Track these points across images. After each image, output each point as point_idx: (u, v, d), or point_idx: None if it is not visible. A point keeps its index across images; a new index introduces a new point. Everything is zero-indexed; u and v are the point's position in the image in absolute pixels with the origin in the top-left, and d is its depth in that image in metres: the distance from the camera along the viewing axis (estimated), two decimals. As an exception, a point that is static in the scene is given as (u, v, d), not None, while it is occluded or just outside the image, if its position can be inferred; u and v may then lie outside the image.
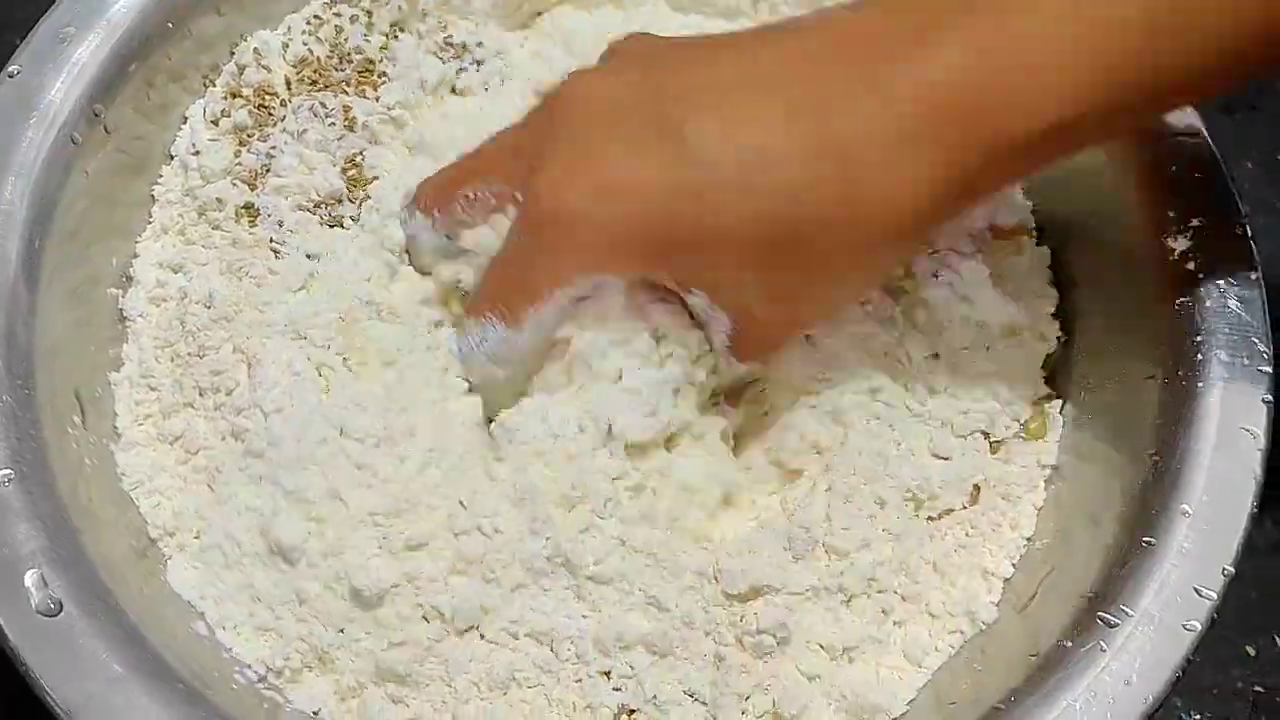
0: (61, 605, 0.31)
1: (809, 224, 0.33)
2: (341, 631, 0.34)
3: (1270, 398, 0.35)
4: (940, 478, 0.38)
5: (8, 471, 0.33)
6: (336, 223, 0.40)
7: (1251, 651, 0.46)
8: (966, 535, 0.39)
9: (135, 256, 0.41)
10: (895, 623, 0.37)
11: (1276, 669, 0.45)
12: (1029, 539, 0.39)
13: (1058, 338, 0.41)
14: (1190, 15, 0.31)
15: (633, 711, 0.35)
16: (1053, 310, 0.41)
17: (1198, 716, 0.44)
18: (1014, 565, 0.38)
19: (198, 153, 0.41)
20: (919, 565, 0.38)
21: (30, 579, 0.31)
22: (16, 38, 0.51)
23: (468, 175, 0.38)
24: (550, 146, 0.35)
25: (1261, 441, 0.35)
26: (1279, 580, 0.47)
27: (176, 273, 0.40)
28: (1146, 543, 0.34)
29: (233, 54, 0.43)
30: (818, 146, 0.32)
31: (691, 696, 0.35)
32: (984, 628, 0.37)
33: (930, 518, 0.38)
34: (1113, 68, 0.31)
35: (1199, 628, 0.33)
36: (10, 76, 0.38)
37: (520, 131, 0.38)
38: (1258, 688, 0.45)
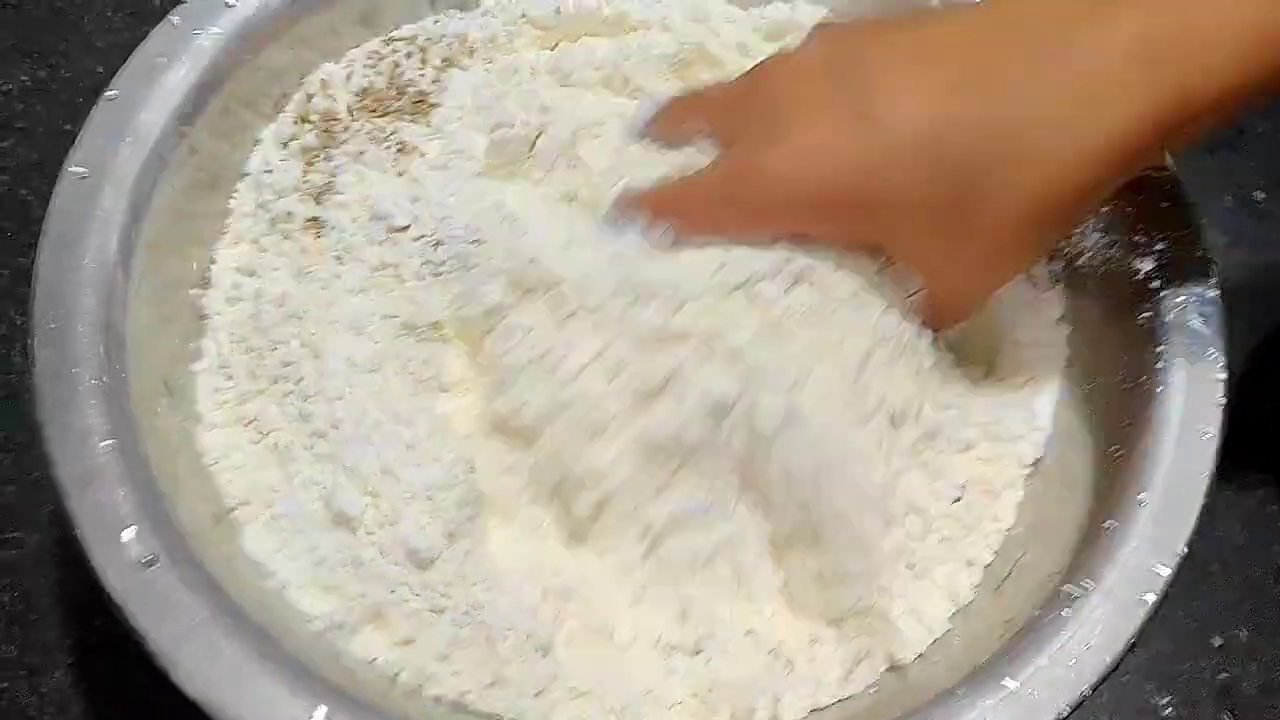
0: (155, 558, 0.35)
1: (983, 186, 0.36)
2: (393, 592, 0.39)
3: (1224, 401, 0.40)
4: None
5: (110, 441, 0.37)
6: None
7: (1219, 643, 0.49)
8: (950, 530, 0.43)
9: (213, 262, 0.45)
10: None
11: (1242, 659, 0.49)
12: (1008, 530, 0.43)
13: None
14: None
15: None
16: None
17: (1167, 698, 0.48)
18: (994, 553, 0.43)
19: (269, 171, 0.46)
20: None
21: (128, 534, 0.36)
22: (99, 64, 0.57)
23: (687, 111, 0.42)
24: (756, 114, 0.39)
25: (1215, 439, 0.39)
26: (1247, 578, 0.51)
27: (250, 276, 0.45)
28: (1109, 526, 0.38)
29: (301, 84, 0.48)
30: (995, 117, 0.36)
31: None
32: (963, 606, 0.41)
33: None
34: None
35: (1153, 599, 0.37)
36: (109, 100, 0.43)
37: (726, 93, 0.42)
38: (1223, 675, 0.49)
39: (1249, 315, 0.56)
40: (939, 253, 0.38)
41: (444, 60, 0.49)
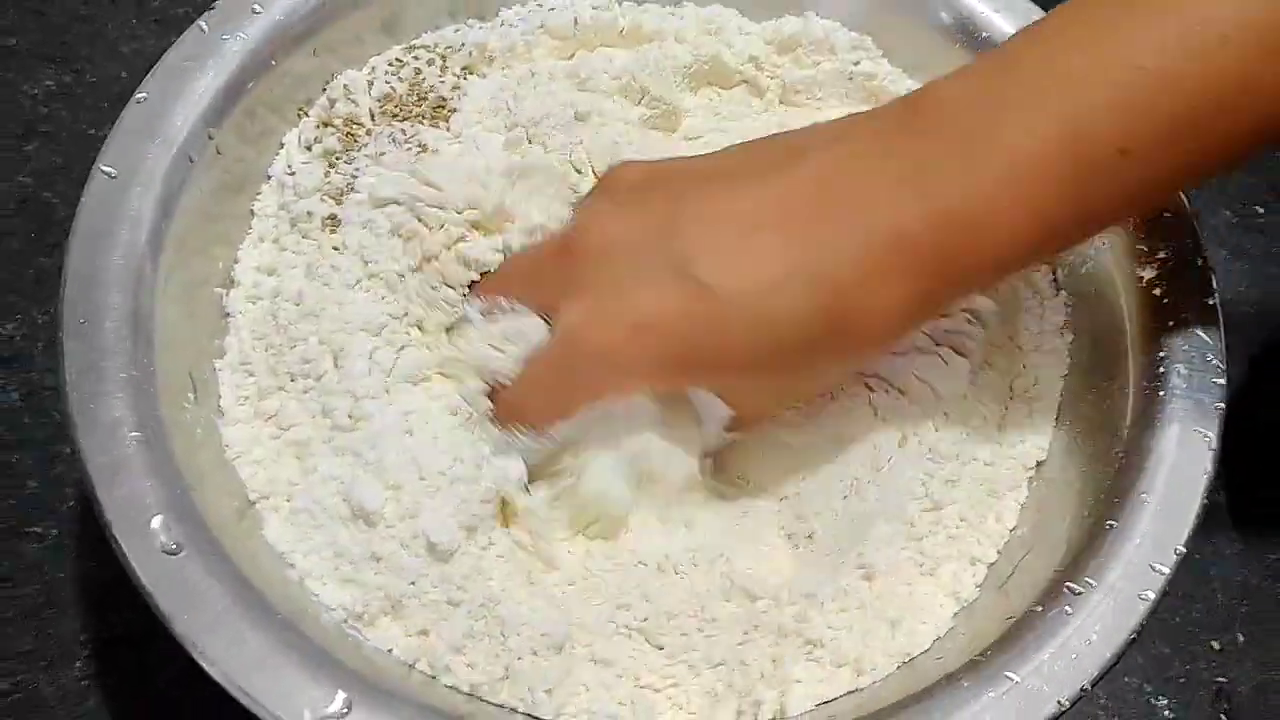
0: (180, 547, 0.36)
1: (807, 344, 0.38)
2: (413, 584, 0.39)
3: (1222, 405, 0.41)
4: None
5: (136, 434, 0.38)
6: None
7: (1217, 646, 0.50)
8: (956, 528, 0.44)
9: (236, 262, 0.46)
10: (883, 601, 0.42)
11: (1238, 662, 0.50)
12: (1011, 530, 0.44)
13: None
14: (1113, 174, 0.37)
15: None
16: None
17: (1164, 701, 0.49)
18: (998, 552, 0.43)
19: (293, 173, 0.47)
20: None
21: (156, 523, 0.36)
22: (122, 70, 0.58)
23: (502, 286, 0.43)
24: (576, 286, 0.40)
25: (1214, 442, 0.40)
26: (1243, 584, 0.52)
27: (270, 275, 0.46)
28: (1110, 525, 0.39)
29: (325, 90, 0.49)
30: (813, 280, 0.37)
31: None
32: (967, 604, 0.42)
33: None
34: (1047, 216, 0.37)
35: (1153, 597, 0.37)
36: (139, 102, 0.44)
37: (537, 259, 0.43)
38: (1220, 679, 0.50)
39: (1248, 327, 0.58)
40: (751, 388, 0.41)
41: (463, 68, 0.50)
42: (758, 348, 0.38)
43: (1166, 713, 0.49)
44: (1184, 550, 0.38)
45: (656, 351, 0.39)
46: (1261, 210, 0.61)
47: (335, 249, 0.46)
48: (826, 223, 0.38)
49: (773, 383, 0.41)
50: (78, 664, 0.46)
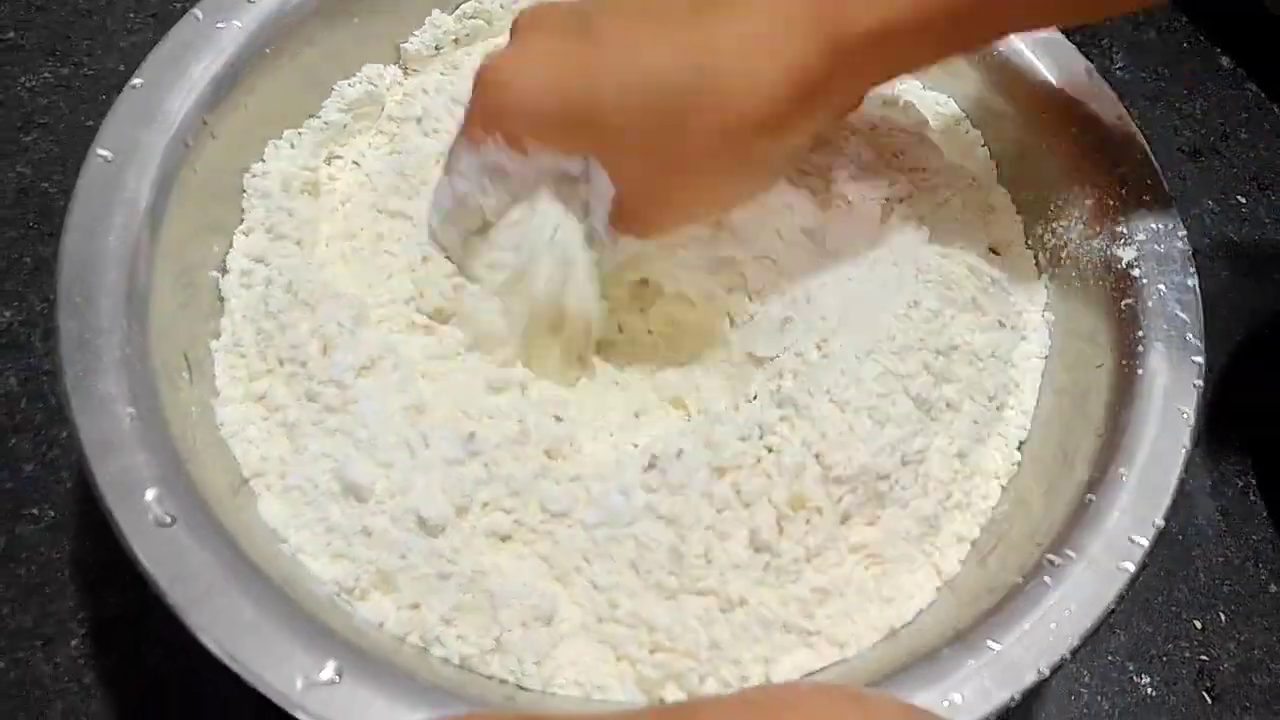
0: (174, 519, 0.37)
1: (677, 105, 0.39)
2: (403, 558, 0.40)
3: (1200, 383, 0.41)
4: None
5: (130, 410, 0.38)
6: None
7: (1199, 625, 0.51)
8: (943, 509, 0.44)
9: (231, 247, 0.47)
10: (873, 578, 0.43)
11: (1220, 641, 0.51)
12: (994, 507, 0.45)
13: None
14: None
15: None
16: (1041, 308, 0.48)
17: (1147, 679, 0.49)
18: (981, 529, 0.44)
19: (284, 159, 0.48)
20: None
21: (150, 496, 0.37)
22: (120, 63, 0.59)
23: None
24: (491, 57, 0.42)
25: (1191, 419, 0.41)
26: (1224, 564, 0.52)
27: (260, 263, 0.46)
28: (1090, 500, 0.40)
29: (319, 78, 0.50)
30: (689, 42, 0.39)
31: None
32: (950, 578, 0.43)
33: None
34: None
35: (1132, 569, 0.38)
36: (134, 88, 0.45)
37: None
38: (1203, 656, 0.50)
39: (1230, 314, 0.58)
40: (639, 170, 0.41)
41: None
42: (628, 99, 0.40)
43: (1149, 690, 0.49)
44: (1162, 524, 0.39)
45: (538, 86, 0.40)
46: (1244, 200, 0.62)
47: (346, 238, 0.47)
48: (717, 7, 0.40)
49: (658, 158, 0.41)
50: (74, 642, 0.47)
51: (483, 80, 0.42)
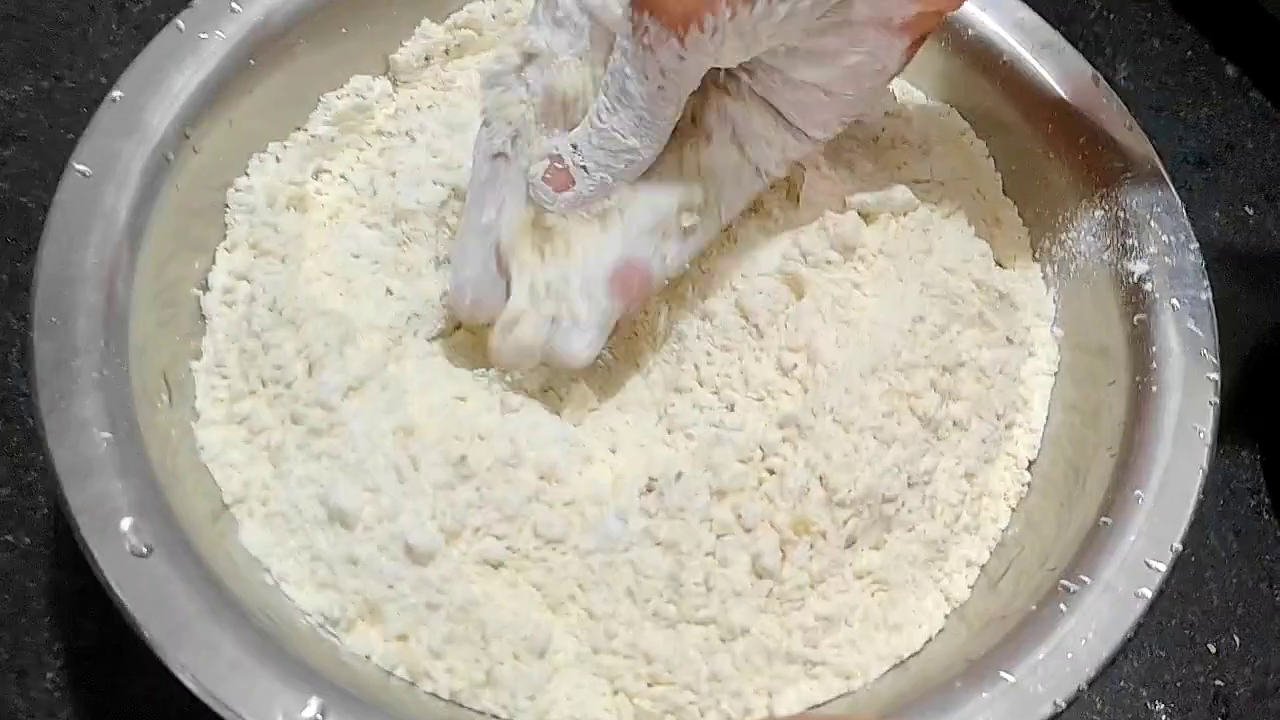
0: (151, 549, 0.35)
1: None
2: (390, 588, 0.38)
3: (1216, 400, 0.40)
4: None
5: (107, 435, 0.37)
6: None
7: (1213, 649, 0.50)
8: (951, 532, 0.43)
9: (213, 264, 0.45)
10: (879, 605, 0.42)
11: (1235, 665, 0.49)
12: (1004, 530, 0.43)
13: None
14: None
15: None
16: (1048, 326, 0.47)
17: (1161, 706, 0.48)
18: (990, 553, 0.43)
19: (268, 174, 0.47)
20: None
21: (126, 524, 0.35)
22: (102, 75, 0.58)
23: None
24: None
25: (1208, 438, 0.40)
26: (1238, 586, 0.51)
27: (243, 280, 0.45)
28: (1105, 522, 0.38)
29: (304, 90, 0.48)
30: None
31: None
32: (959, 605, 0.41)
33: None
34: None
35: (1149, 595, 0.37)
36: (114, 101, 0.43)
37: None
38: (1218, 682, 0.49)
39: (1238, 327, 0.57)
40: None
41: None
42: None
43: (1164, 718, 0.48)
44: (1180, 547, 0.38)
45: None
46: (1251, 211, 0.61)
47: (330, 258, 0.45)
48: None
49: None
50: (50, 674, 0.45)
51: None
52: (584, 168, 0.40)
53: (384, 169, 0.48)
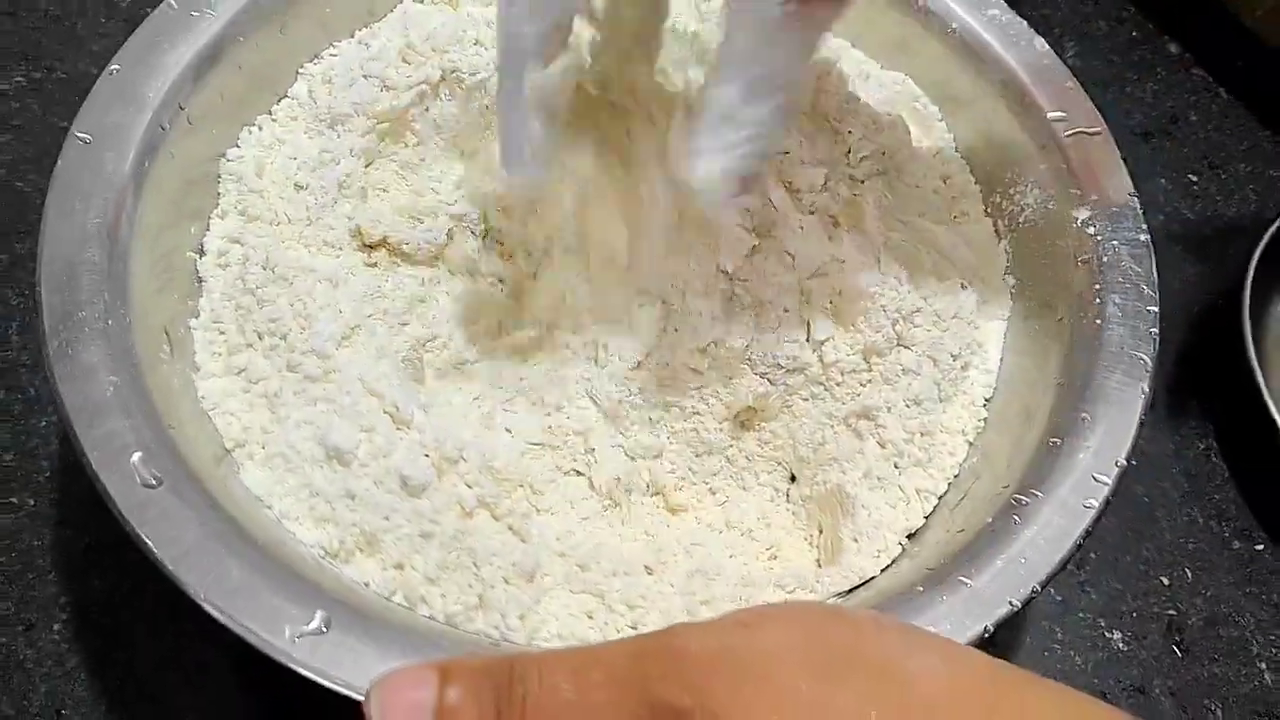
0: (160, 480, 0.37)
1: None
2: (386, 519, 0.41)
3: (1155, 330, 0.43)
4: None
5: (114, 379, 0.39)
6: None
7: (1166, 582, 0.52)
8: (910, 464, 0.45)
9: (208, 230, 0.48)
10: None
11: (1187, 596, 0.52)
12: (961, 462, 0.46)
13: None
14: None
15: None
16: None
17: (1118, 635, 0.51)
18: (948, 484, 0.45)
19: (259, 144, 0.49)
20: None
21: (135, 458, 0.37)
22: (92, 66, 0.60)
23: None
24: None
25: (1149, 364, 0.42)
26: (1189, 523, 0.54)
27: (235, 243, 0.47)
28: (1054, 442, 0.41)
29: (294, 68, 0.51)
30: None
31: None
32: (913, 530, 0.44)
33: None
34: None
35: (1096, 505, 0.39)
36: (111, 74, 0.46)
37: None
38: (1170, 611, 0.51)
39: (1186, 288, 0.60)
40: None
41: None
42: None
43: (1120, 645, 0.50)
44: (1125, 462, 0.40)
45: None
46: (1195, 178, 0.64)
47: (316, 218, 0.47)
48: None
49: None
50: (56, 627, 0.47)
51: None
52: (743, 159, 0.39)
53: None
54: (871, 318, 0.45)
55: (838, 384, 0.46)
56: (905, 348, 0.46)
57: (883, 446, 0.44)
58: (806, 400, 0.46)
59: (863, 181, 0.49)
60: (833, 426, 0.45)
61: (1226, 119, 0.67)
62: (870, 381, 0.46)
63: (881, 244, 0.47)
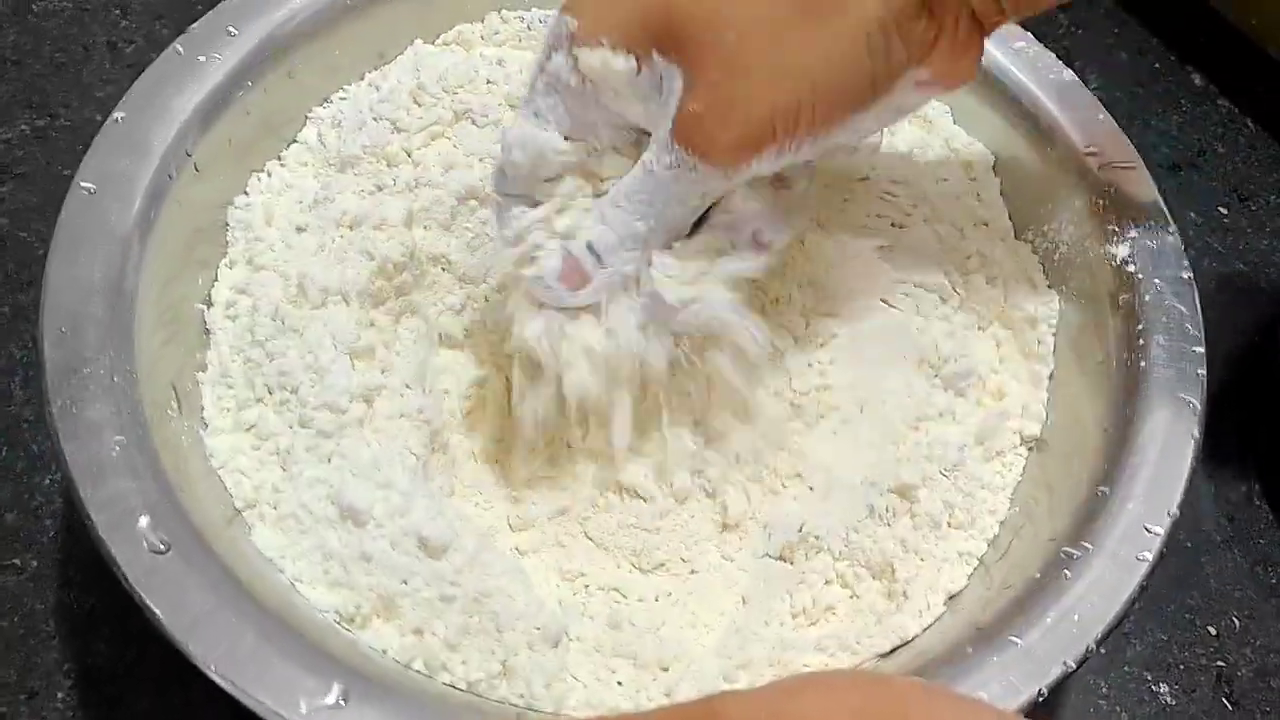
0: (169, 546, 0.36)
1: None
2: (405, 583, 0.39)
3: (1203, 371, 0.41)
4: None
5: (120, 438, 0.37)
6: None
7: (1214, 631, 0.50)
8: (947, 526, 0.44)
9: (215, 280, 0.46)
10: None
11: (1236, 646, 0.50)
12: (1002, 521, 0.44)
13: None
14: None
15: None
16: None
17: (1166, 688, 0.48)
18: (988, 543, 0.43)
19: (266, 191, 0.47)
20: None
21: (143, 522, 0.36)
22: (97, 113, 0.59)
23: None
24: None
25: (1198, 407, 0.41)
26: (1233, 569, 0.52)
27: (243, 294, 0.46)
28: (1102, 492, 0.39)
29: (302, 113, 0.49)
30: None
31: None
32: (955, 594, 0.42)
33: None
34: None
35: (1150, 558, 0.38)
36: (116, 122, 0.44)
37: None
38: (1219, 662, 0.49)
39: (1220, 323, 0.58)
40: (723, 67, 0.37)
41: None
42: None
43: (1169, 699, 0.48)
44: (1177, 513, 0.39)
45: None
46: (1225, 211, 0.63)
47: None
48: None
49: (749, 53, 0.36)
50: (60, 695, 0.45)
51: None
52: (599, 261, 0.40)
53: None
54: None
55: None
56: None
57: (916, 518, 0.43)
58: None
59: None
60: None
61: (1254, 150, 0.65)
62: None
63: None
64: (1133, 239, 0.44)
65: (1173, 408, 0.41)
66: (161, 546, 0.36)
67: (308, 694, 0.34)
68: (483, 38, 0.53)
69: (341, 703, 0.34)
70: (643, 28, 0.37)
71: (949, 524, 0.43)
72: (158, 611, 0.35)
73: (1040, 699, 0.35)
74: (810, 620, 0.40)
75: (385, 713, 0.34)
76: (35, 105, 0.60)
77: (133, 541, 0.36)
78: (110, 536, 0.35)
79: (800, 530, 0.42)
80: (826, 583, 0.42)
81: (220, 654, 0.34)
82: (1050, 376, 0.46)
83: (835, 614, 0.41)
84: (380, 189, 0.46)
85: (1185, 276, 0.43)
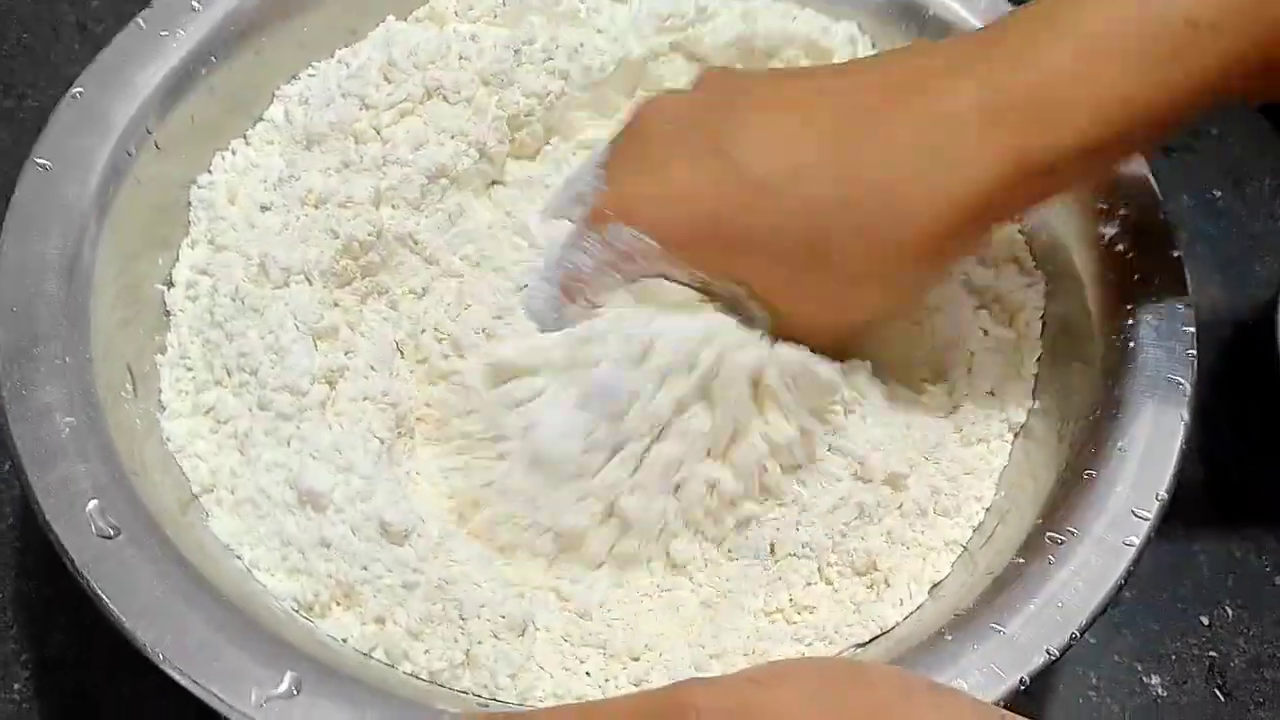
0: (118, 530, 0.34)
1: (836, 231, 0.38)
2: (365, 569, 0.37)
3: (1194, 352, 0.40)
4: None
5: (70, 419, 0.36)
6: None
7: (1206, 621, 0.49)
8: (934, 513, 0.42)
9: (177, 260, 0.45)
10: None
11: (1229, 636, 0.48)
12: (987, 508, 0.42)
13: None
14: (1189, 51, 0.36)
15: None
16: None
17: (1157, 679, 0.47)
18: (973, 529, 0.42)
19: (230, 170, 0.46)
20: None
21: (91, 506, 0.35)
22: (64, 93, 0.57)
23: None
24: (622, 157, 0.41)
25: (1187, 389, 0.39)
26: (1227, 558, 0.50)
27: (204, 275, 0.44)
28: (1089, 475, 0.38)
29: (269, 89, 0.48)
30: (847, 168, 0.38)
31: None
32: (937, 581, 0.41)
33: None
34: (1123, 93, 0.36)
35: (1137, 544, 0.36)
36: (75, 98, 0.43)
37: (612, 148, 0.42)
38: (1212, 653, 0.48)
39: (1213, 306, 0.57)
40: (795, 287, 0.40)
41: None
42: (784, 232, 0.38)
43: (1160, 690, 0.47)
44: (1166, 496, 0.37)
45: (684, 223, 0.39)
46: (1219, 194, 0.61)
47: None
48: (871, 110, 0.38)
49: (807, 280, 0.39)
50: (16, 685, 0.44)
51: (626, 208, 0.39)
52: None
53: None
54: None
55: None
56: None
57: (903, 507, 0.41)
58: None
59: None
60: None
61: (1249, 134, 0.64)
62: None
63: None
64: (1121, 217, 0.43)
65: (1162, 388, 0.39)
66: (110, 531, 0.34)
67: (259, 684, 0.32)
68: (456, 13, 0.51)
69: (294, 692, 0.32)
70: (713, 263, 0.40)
71: (935, 511, 0.42)
72: (105, 597, 0.33)
73: (1022, 687, 0.34)
74: (788, 620, 0.39)
75: (339, 703, 0.32)
76: (3, 85, 0.59)
77: (80, 526, 0.34)
78: (57, 521, 0.34)
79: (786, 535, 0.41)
80: (808, 584, 0.40)
81: (169, 642, 0.33)
82: (1038, 359, 0.45)
83: (814, 612, 0.40)
84: (347, 166, 0.45)
85: (1175, 255, 0.42)
